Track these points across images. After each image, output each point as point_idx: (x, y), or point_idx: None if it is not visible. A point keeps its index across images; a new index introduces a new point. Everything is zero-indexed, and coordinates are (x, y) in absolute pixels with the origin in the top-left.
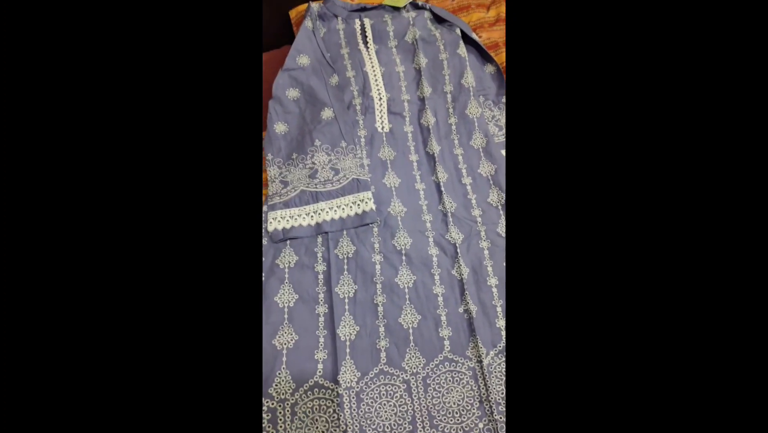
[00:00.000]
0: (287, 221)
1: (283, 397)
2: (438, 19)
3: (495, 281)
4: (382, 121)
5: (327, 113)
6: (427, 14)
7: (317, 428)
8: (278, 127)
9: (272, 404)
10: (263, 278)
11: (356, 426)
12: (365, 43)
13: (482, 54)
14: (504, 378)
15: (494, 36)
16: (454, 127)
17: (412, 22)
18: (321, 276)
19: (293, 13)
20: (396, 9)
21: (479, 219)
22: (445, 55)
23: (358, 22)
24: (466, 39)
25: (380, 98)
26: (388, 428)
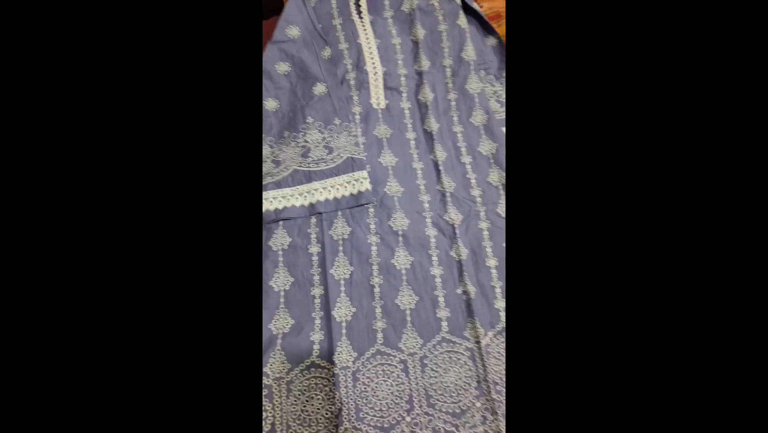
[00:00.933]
0: (279, 201)
1: (278, 376)
2: None
3: (494, 262)
4: (378, 97)
5: (319, 88)
6: None
7: (313, 405)
8: (269, 104)
9: (268, 381)
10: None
11: (352, 404)
12: (359, 13)
13: (483, 25)
14: (502, 358)
15: (496, 5)
16: (453, 103)
17: None
18: (315, 258)
19: None
20: None
21: (479, 199)
22: (444, 26)
23: None
24: (467, 9)
25: (375, 72)
26: (384, 406)
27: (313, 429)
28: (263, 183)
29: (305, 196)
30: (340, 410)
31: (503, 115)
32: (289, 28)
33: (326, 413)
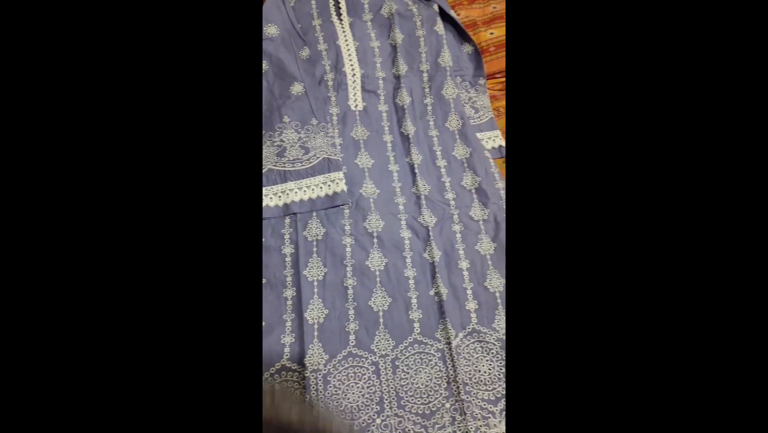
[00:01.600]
0: None
1: None
2: None
3: (466, 264)
4: (356, 99)
5: (297, 88)
6: None
7: (282, 410)
8: None
9: None
10: None
11: (322, 408)
12: (338, 15)
13: (460, 33)
14: (472, 359)
15: (473, 14)
16: (429, 107)
17: None
18: (289, 259)
19: None
20: None
21: (452, 202)
22: (422, 32)
23: None
24: (444, 16)
25: (354, 74)
26: (355, 409)
27: None
28: None
29: (280, 197)
30: (309, 414)
31: (477, 121)
32: (268, 26)
33: (296, 417)
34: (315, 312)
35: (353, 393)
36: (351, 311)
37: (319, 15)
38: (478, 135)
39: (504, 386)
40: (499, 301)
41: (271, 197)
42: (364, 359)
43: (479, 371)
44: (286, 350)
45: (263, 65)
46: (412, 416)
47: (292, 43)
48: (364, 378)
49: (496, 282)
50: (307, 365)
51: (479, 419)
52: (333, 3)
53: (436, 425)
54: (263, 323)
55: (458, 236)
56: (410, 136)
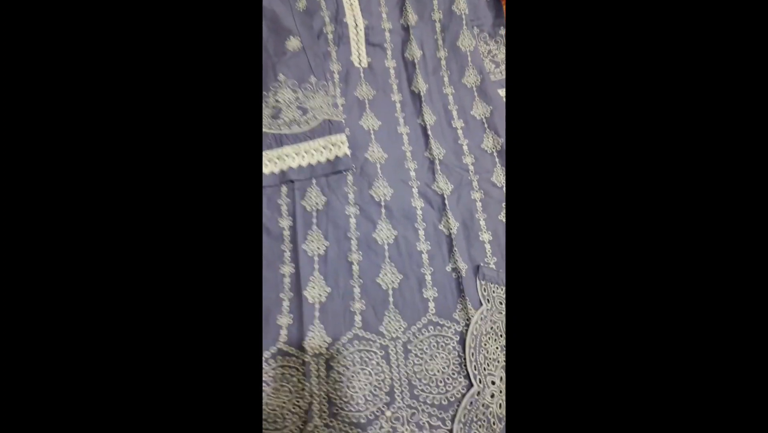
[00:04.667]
0: None
1: None
2: None
3: (488, 237)
4: (359, 54)
5: (293, 43)
6: None
7: (279, 398)
8: None
9: None
10: None
11: (324, 397)
12: None
13: None
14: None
15: None
16: (443, 61)
17: None
18: (287, 232)
19: None
20: None
21: (471, 167)
22: None
23: None
24: None
25: (356, 26)
26: (361, 399)
27: (279, 426)
28: None
29: (275, 163)
30: (310, 404)
31: (498, 76)
32: None
33: (293, 408)
34: (316, 290)
35: (360, 381)
36: (356, 289)
37: None
38: (500, 92)
39: None
40: None
41: (266, 163)
42: (371, 343)
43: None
44: (283, 332)
45: None
46: (428, 408)
47: None
48: (372, 364)
49: None
50: (307, 348)
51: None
52: None
53: (456, 420)
54: None
55: (478, 204)
56: (422, 94)
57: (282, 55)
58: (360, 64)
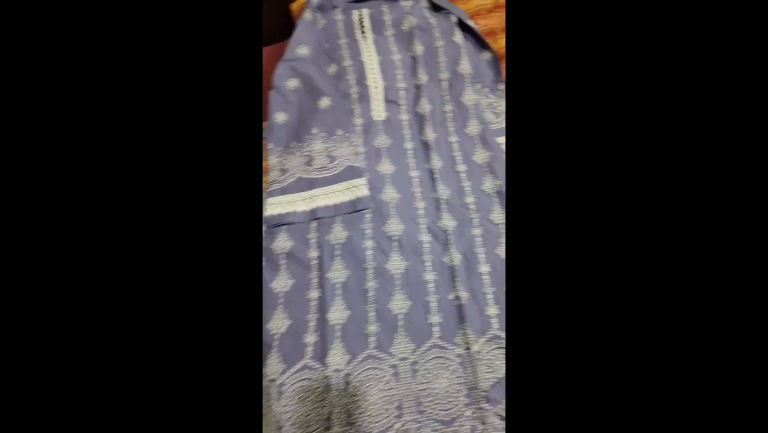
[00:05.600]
0: (284, 206)
1: (272, 378)
2: (435, 8)
3: (486, 268)
4: (378, 110)
5: (324, 102)
6: (424, 2)
7: (305, 406)
8: (278, 117)
9: (264, 383)
10: (261, 264)
11: (342, 409)
12: (362, 33)
13: (479, 41)
14: (492, 366)
15: (491, 23)
16: (449, 114)
17: (409, 11)
18: (314, 262)
19: (294, 6)
20: None
21: (472, 206)
22: (441, 43)
23: (356, 12)
24: (463, 26)
25: (376, 87)
26: (374, 412)
27: (304, 430)
28: (269, 189)
29: (307, 202)
30: (331, 413)
31: (498, 126)
32: (299, 47)
33: (317, 417)
34: (337, 313)
35: (373, 395)
36: (372, 314)
37: (345, 34)
38: (498, 139)
39: None
40: None
41: (300, 203)
42: (383, 362)
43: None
44: (309, 349)
45: (295, 83)
46: (432, 423)
47: (321, 61)
48: (384, 380)
49: None
50: (329, 363)
51: (500, 430)
52: (358, 22)
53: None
54: (289, 322)
55: (478, 239)
56: (430, 142)
57: (314, 112)
58: (379, 118)
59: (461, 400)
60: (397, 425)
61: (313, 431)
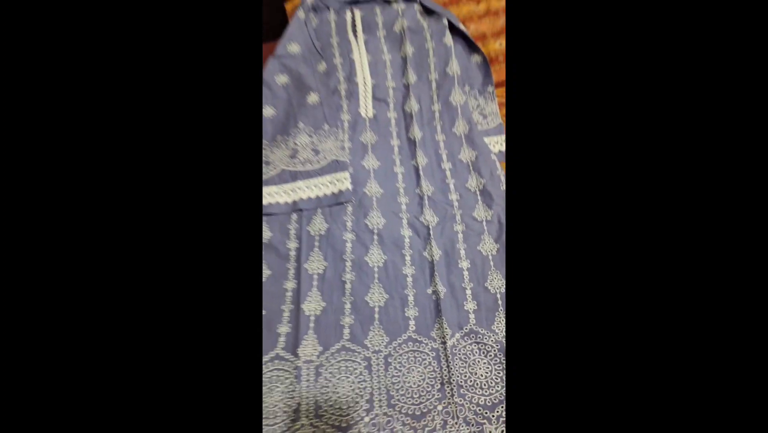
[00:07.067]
0: (265, 198)
1: None
2: (427, 11)
3: (466, 264)
4: (366, 107)
5: (312, 98)
6: (416, 6)
7: (273, 397)
8: (266, 111)
9: None
10: None
11: (311, 400)
12: (354, 33)
13: (469, 44)
14: (468, 360)
15: (482, 28)
16: (437, 114)
17: (401, 14)
18: (293, 252)
19: (289, 6)
20: (387, 2)
21: (456, 203)
22: (431, 44)
23: (349, 13)
24: (454, 30)
25: (365, 84)
26: (344, 405)
27: (270, 422)
28: None
29: (289, 194)
30: (299, 405)
31: (485, 126)
32: (291, 44)
33: (284, 407)
34: (312, 304)
35: (343, 387)
36: (347, 306)
37: (337, 33)
38: (485, 139)
39: (502, 391)
40: (499, 302)
41: (282, 195)
42: (356, 354)
43: (475, 373)
44: (282, 339)
45: (284, 78)
46: (402, 417)
47: (311, 58)
48: (356, 373)
49: (498, 283)
50: (301, 355)
51: (473, 425)
52: (350, 23)
53: (426, 428)
54: (263, 311)
55: (460, 235)
56: (417, 140)
57: (302, 107)
58: (366, 115)
59: (434, 394)
60: (366, 419)
61: (280, 422)
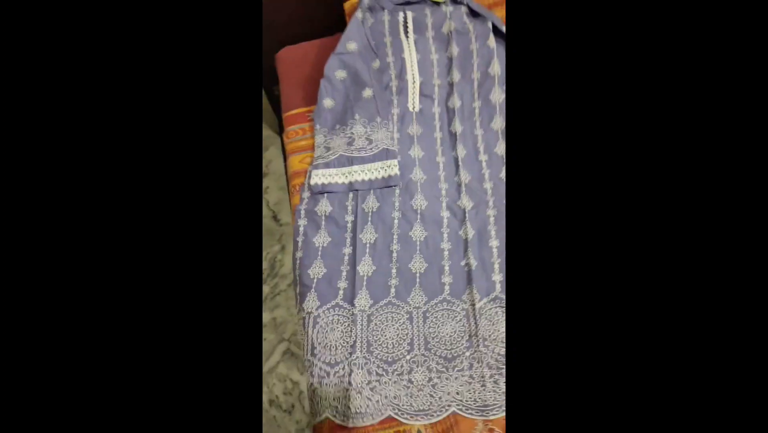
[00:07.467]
0: (326, 178)
1: (309, 311)
2: (473, 14)
3: (496, 243)
4: (414, 102)
5: (367, 92)
6: (464, 9)
7: (334, 335)
8: (326, 102)
9: (303, 315)
10: (305, 222)
11: (364, 339)
12: (406, 33)
13: None
14: (493, 320)
15: None
16: (477, 110)
17: (449, 16)
18: (349, 224)
19: (347, 5)
20: (436, 3)
21: (489, 191)
22: (476, 46)
23: (401, 14)
24: (497, 32)
25: (414, 81)
26: (390, 345)
27: (332, 353)
28: (315, 163)
29: (346, 176)
30: (355, 342)
31: None
32: (349, 42)
33: (343, 343)
34: (365, 267)
35: (390, 332)
36: (394, 270)
37: (390, 33)
38: None
39: None
40: None
41: (340, 176)
42: (400, 308)
43: (498, 330)
44: (341, 292)
45: (343, 74)
46: (436, 358)
47: (367, 56)
48: (399, 321)
49: None
50: (356, 305)
51: (494, 368)
52: (402, 23)
53: (456, 368)
54: (324, 270)
55: (491, 219)
56: (457, 133)
57: (358, 101)
58: (414, 109)
59: (463, 344)
60: (407, 357)
61: (340, 353)
